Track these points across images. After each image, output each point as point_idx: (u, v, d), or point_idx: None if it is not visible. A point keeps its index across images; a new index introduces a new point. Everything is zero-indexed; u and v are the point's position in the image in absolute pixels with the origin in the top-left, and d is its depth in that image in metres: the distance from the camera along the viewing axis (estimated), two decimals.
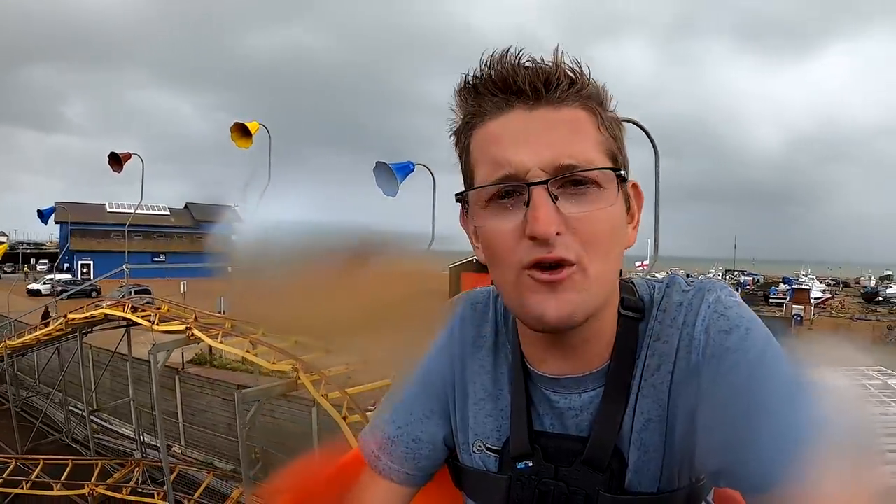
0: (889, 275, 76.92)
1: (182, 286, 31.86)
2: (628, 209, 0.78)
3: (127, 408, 14.87)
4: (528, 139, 0.72)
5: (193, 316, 9.16)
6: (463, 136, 0.79)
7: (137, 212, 55.94)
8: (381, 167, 7.90)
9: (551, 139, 0.71)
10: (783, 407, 0.65)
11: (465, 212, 0.80)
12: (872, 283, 74.91)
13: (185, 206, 61.56)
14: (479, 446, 0.90)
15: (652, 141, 5.68)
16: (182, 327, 9.02)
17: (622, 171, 0.73)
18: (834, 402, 0.65)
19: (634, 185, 0.80)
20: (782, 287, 58.44)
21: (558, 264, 0.70)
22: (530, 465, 0.84)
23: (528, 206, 0.70)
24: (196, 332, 8.72)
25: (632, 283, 0.85)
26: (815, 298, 50.04)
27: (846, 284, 79.27)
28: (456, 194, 0.80)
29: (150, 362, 11.10)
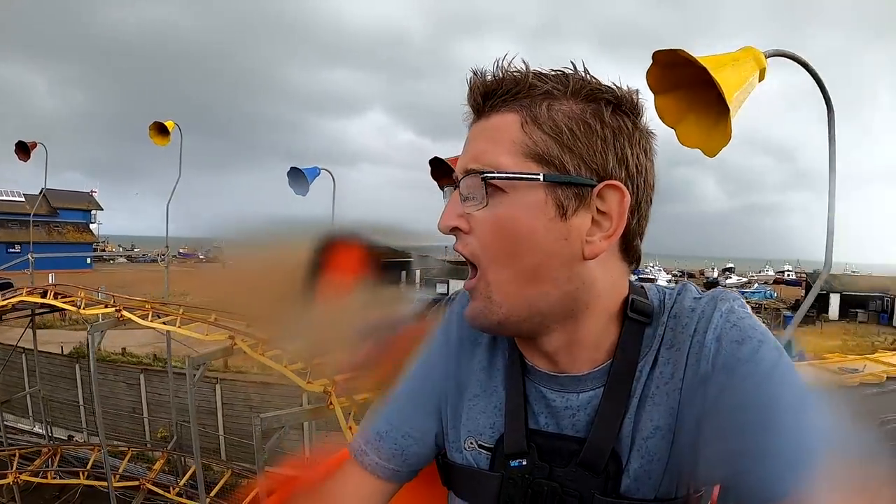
0: (731, 267, 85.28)
1: (50, 278, 30.07)
2: (564, 214, 0.72)
3: (27, 401, 14.87)
4: (464, 149, 0.78)
5: (113, 299, 9.48)
6: None
7: None
8: (294, 171, 9.53)
9: (470, 146, 0.77)
10: (793, 420, 0.65)
11: None
12: (715, 274, 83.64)
13: (42, 193, 57.47)
14: (471, 443, 0.89)
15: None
16: (111, 310, 9.20)
17: (526, 175, 0.71)
18: (841, 417, 0.66)
19: (610, 186, 0.73)
20: (631, 277, 64.57)
21: (473, 268, 0.77)
22: (524, 463, 0.82)
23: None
24: (126, 313, 8.98)
25: (642, 287, 0.86)
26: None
27: (691, 275, 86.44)
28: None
29: (88, 348, 11.30)
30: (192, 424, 8.34)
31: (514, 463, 0.83)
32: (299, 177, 9.47)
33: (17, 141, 12.26)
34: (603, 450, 0.77)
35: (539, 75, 0.74)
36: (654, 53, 2.60)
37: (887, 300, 37.54)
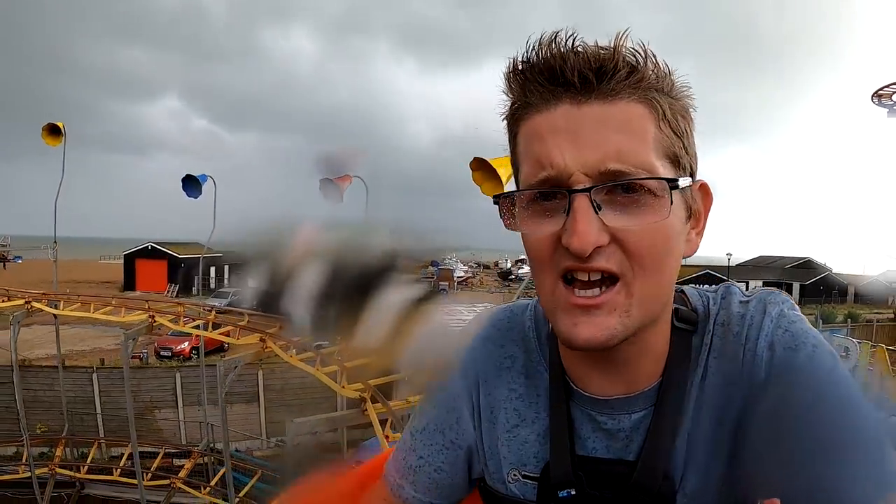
0: (522, 258, 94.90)
1: None
2: (690, 215, 0.71)
3: None
4: (573, 139, 0.65)
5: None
6: (511, 127, 0.73)
7: None
8: (189, 178, 11.76)
9: (599, 139, 0.64)
10: (868, 435, 0.62)
11: (508, 213, 0.71)
12: (509, 265, 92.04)
13: None
14: (515, 475, 0.85)
15: None
16: (144, 316, 9.52)
17: (679, 179, 0.66)
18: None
19: (702, 186, 0.73)
20: (430, 269, 69.41)
21: (599, 280, 0.66)
22: (573, 493, 0.78)
23: (567, 213, 0.64)
24: (159, 318, 9.52)
25: (682, 291, 0.81)
26: (458, 277, 62.39)
27: (487, 266, 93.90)
28: (493, 198, 0.72)
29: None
30: (223, 426, 9.15)
31: (562, 493, 0.79)
32: (194, 183, 11.90)
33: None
34: (656, 471, 0.75)
35: (653, 62, 0.68)
36: (472, 160, 6.68)
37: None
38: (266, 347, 8.43)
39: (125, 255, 45.89)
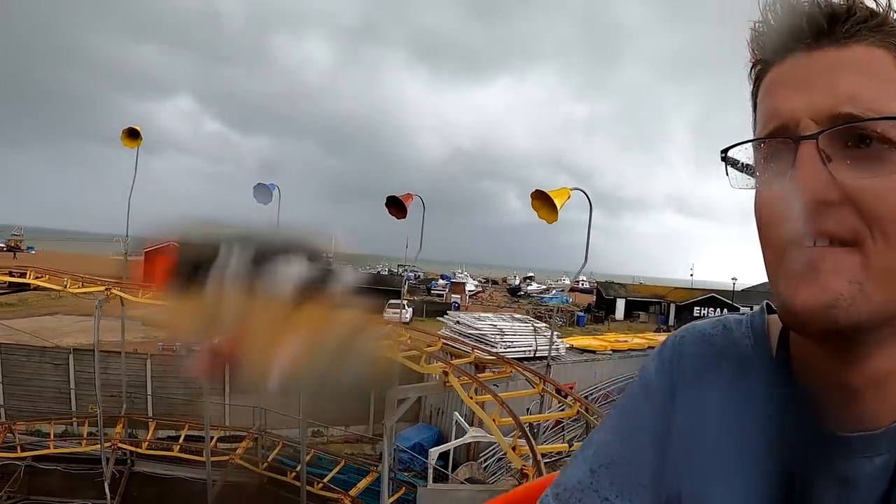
0: (531, 275, 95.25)
1: None
2: None
3: None
4: (802, 85, 0.57)
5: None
6: (753, 98, 0.64)
7: None
8: (259, 187, 12.55)
9: (830, 82, 0.56)
10: None
11: (738, 168, 0.62)
12: (517, 281, 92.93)
13: None
14: None
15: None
16: (101, 287, 10.56)
17: None
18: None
19: None
20: (441, 282, 69.22)
21: (826, 247, 0.54)
22: None
23: (793, 166, 0.55)
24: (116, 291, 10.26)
25: None
26: (470, 291, 63.67)
27: (495, 282, 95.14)
28: (721, 151, 0.62)
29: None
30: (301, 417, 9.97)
31: None
32: (263, 189, 12.55)
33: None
34: None
35: (889, 4, 0.59)
36: (533, 191, 8.48)
37: (664, 305, 46.75)
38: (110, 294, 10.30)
39: (146, 252, 46.78)
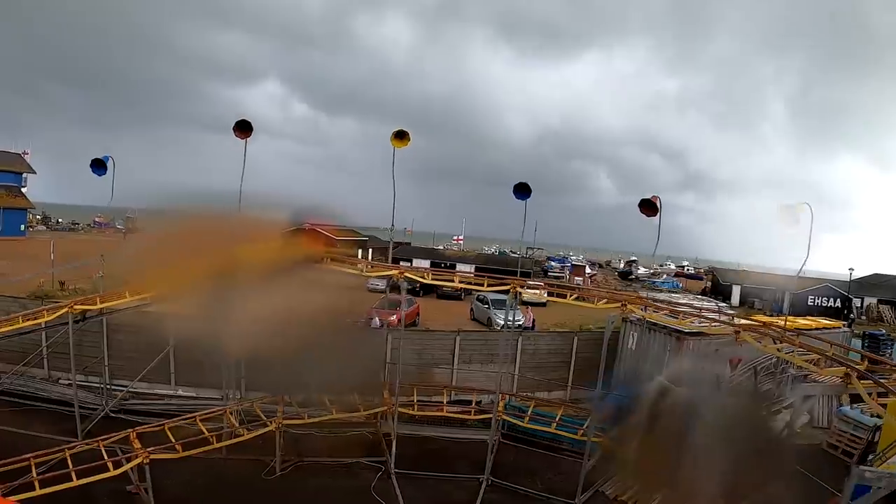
0: (634, 259, 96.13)
1: None
2: None
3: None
4: None
5: None
6: None
7: None
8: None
9: None
10: None
11: None
12: (622, 265, 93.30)
13: None
14: None
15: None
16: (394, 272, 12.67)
17: None
18: None
19: None
20: (556, 264, 71.51)
21: None
22: None
23: None
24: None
25: None
26: (588, 274, 65.82)
27: (599, 265, 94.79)
28: None
29: None
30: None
31: None
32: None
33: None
34: None
35: None
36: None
37: (778, 293, 48.15)
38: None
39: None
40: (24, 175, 54.99)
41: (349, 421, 12.87)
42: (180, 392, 15.72)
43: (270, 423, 11.77)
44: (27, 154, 57.05)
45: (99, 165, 12.44)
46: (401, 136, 12.50)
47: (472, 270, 18.91)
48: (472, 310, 31.66)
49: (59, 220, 72.05)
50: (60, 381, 15.74)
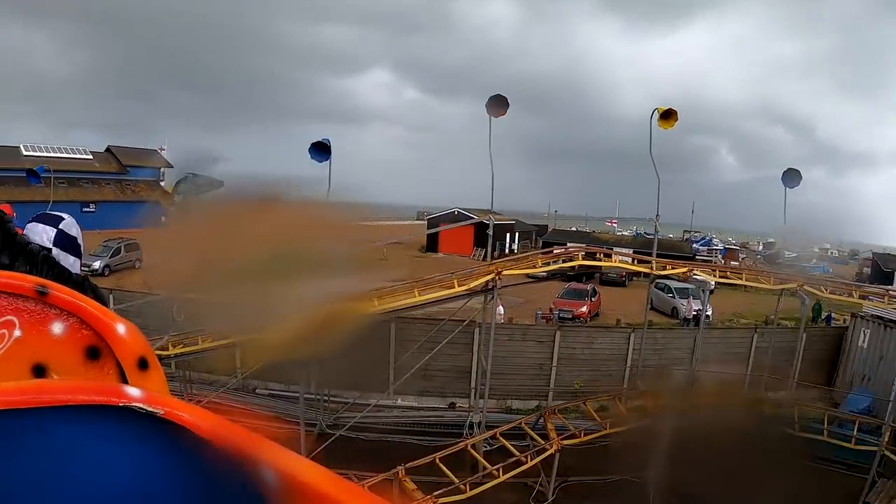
0: (772, 241, 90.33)
1: None
2: None
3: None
4: None
5: None
6: None
7: (57, 156, 49.49)
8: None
9: None
10: None
11: None
12: (760, 247, 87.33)
13: (108, 150, 56.64)
14: None
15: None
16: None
17: None
18: None
19: None
20: (702, 247, 65.32)
21: None
22: None
23: None
24: None
25: None
26: (742, 257, 60.98)
27: (738, 248, 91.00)
28: None
29: None
30: None
31: None
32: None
33: None
34: None
35: None
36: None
37: None
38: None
39: (428, 219, 49.91)
40: (162, 169, 57.52)
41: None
42: (399, 402, 14.54)
43: (550, 445, 10.54)
44: (163, 150, 59.96)
45: (322, 150, 12.14)
46: (667, 115, 12.37)
47: (631, 254, 17.42)
48: (650, 298, 29.99)
49: None
50: (257, 391, 14.65)
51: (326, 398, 13.86)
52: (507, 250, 43.16)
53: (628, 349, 16.15)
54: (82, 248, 1.63)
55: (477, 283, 12.07)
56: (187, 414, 0.54)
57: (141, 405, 0.54)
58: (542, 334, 16.49)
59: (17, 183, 44.63)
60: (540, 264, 13.45)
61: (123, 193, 53.02)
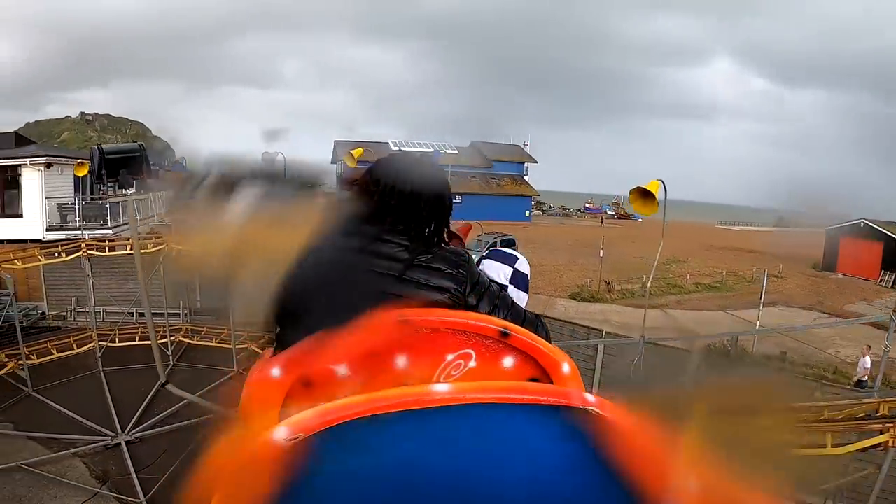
0: None
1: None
2: None
3: None
4: None
5: None
6: None
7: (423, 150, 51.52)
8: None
9: None
10: None
11: None
12: None
13: (471, 145, 58.75)
14: None
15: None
16: None
17: None
18: None
19: None
20: None
21: None
22: None
23: None
24: None
25: None
26: None
27: None
28: None
29: None
30: None
31: None
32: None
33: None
34: None
35: None
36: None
37: None
38: None
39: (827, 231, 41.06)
40: (526, 164, 58.43)
41: None
42: None
43: None
44: (527, 145, 60.93)
45: None
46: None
47: None
48: None
49: (551, 205, 76.64)
50: None
51: None
52: None
53: None
54: (529, 283, 1.76)
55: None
56: (619, 417, 0.64)
57: (595, 409, 0.65)
58: None
59: None
60: None
61: (488, 186, 54.85)
